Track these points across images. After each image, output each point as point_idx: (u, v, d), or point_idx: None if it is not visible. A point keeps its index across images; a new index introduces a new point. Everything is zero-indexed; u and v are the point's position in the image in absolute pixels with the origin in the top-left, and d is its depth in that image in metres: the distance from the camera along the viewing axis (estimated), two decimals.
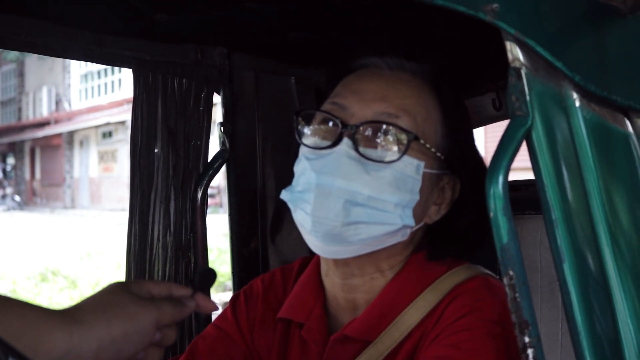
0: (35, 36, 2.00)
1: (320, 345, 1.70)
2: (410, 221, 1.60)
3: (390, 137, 1.58)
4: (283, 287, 1.88)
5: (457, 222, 1.70)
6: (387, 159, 1.57)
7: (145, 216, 2.24)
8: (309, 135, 1.66)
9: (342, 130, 1.59)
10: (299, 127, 1.68)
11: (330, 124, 1.63)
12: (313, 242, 1.63)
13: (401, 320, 1.62)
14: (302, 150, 1.66)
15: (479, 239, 1.72)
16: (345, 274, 1.70)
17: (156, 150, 2.23)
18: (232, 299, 1.91)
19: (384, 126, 1.59)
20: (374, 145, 1.58)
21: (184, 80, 2.26)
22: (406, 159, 1.58)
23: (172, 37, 2.19)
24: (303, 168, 1.62)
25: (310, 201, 1.56)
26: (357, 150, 1.57)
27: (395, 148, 1.58)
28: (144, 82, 2.20)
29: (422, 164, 1.61)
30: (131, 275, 2.25)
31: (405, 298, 1.65)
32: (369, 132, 1.59)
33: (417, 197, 1.61)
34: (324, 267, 1.77)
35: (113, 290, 1.37)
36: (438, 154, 1.64)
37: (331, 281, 1.75)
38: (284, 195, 1.66)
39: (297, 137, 1.68)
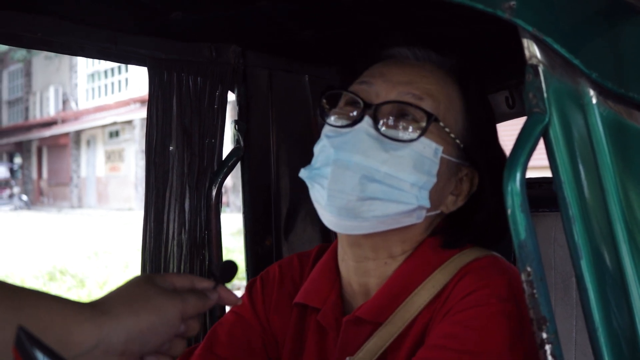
0: (51, 34, 2.01)
1: (336, 329, 1.73)
2: (426, 202, 1.63)
3: (410, 118, 1.62)
4: (300, 273, 1.92)
5: (474, 215, 1.72)
6: (406, 137, 1.60)
7: (160, 214, 2.26)
8: (332, 114, 1.71)
9: (365, 109, 1.62)
10: (324, 105, 1.73)
11: (354, 105, 1.67)
12: (327, 218, 1.66)
13: (411, 301, 1.65)
14: (325, 129, 1.70)
15: (496, 235, 1.73)
16: (359, 257, 1.73)
17: (171, 148, 2.25)
18: (249, 285, 1.95)
19: (406, 107, 1.63)
20: (395, 125, 1.62)
21: (199, 78, 2.27)
22: (424, 140, 1.61)
23: (186, 35, 2.21)
24: (322, 146, 1.66)
25: (328, 175, 1.60)
26: (377, 128, 1.61)
27: (414, 128, 1.62)
28: (158, 80, 2.22)
29: (441, 148, 1.64)
30: (146, 272, 2.26)
31: (415, 280, 1.67)
32: (390, 111, 1.63)
33: (434, 180, 1.63)
34: (340, 253, 1.80)
35: (139, 282, 1.38)
36: (457, 141, 1.67)
37: (346, 266, 1.77)
38: (303, 173, 1.69)
39: (319, 115, 1.72)
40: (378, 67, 1.75)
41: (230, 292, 1.52)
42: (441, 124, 1.63)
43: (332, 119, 1.69)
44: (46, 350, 0.88)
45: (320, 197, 1.64)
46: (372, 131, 1.60)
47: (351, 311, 1.73)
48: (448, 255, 1.69)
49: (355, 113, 1.66)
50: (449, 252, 1.70)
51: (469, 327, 1.51)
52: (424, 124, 1.61)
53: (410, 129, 1.61)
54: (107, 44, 2.12)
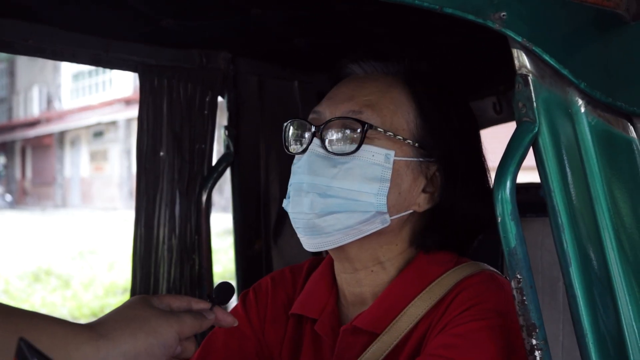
0: (43, 42, 2.02)
1: (332, 338, 1.75)
2: (383, 207, 1.65)
3: (350, 131, 1.67)
4: (293, 285, 1.94)
5: (437, 208, 1.74)
6: (348, 150, 1.65)
7: (151, 219, 2.27)
8: (292, 143, 1.77)
9: (313, 132, 1.69)
10: (285, 136, 1.78)
11: (307, 129, 1.73)
12: (301, 239, 1.72)
13: (408, 312, 1.67)
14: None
15: (468, 229, 1.77)
16: (348, 268, 1.76)
17: (161, 153, 2.26)
18: (242, 296, 1.96)
19: (345, 121, 1.67)
20: (339, 141, 1.68)
21: (189, 84, 2.28)
22: (371, 148, 1.65)
23: (177, 42, 2.22)
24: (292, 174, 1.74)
25: (290, 200, 1.69)
26: (324, 147, 1.67)
27: (354, 140, 1.66)
28: (149, 86, 2.22)
29: (392, 152, 1.66)
30: (137, 277, 2.27)
31: (411, 292, 1.70)
32: (334, 129, 1.68)
33: (387, 184, 1.66)
34: (336, 265, 1.83)
35: (135, 304, 1.39)
36: (410, 142, 1.69)
37: (340, 278, 1.81)
38: (284, 203, 1.75)
39: (284, 147, 1.78)
40: (333, 89, 1.80)
41: (226, 313, 1.54)
42: (380, 129, 1.66)
43: (292, 148, 1.76)
44: None
45: (292, 221, 1.71)
46: (321, 150, 1.67)
47: (347, 320, 1.75)
48: (444, 268, 1.72)
49: (307, 138, 1.72)
50: (444, 265, 1.72)
51: (467, 338, 1.53)
52: (360, 133, 1.65)
53: (353, 142, 1.66)
54: (99, 51, 2.13)
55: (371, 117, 1.67)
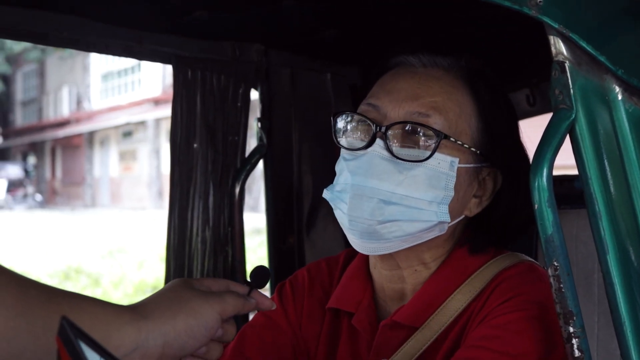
0: (77, 33, 2.03)
1: (370, 333, 1.74)
2: (446, 217, 1.64)
3: (420, 136, 1.62)
4: (329, 278, 1.92)
5: (495, 213, 1.73)
6: (418, 157, 1.61)
7: (185, 211, 2.27)
8: (345, 136, 1.71)
9: (375, 131, 1.63)
10: (336, 128, 1.73)
11: (365, 124, 1.68)
12: (352, 239, 1.68)
13: (448, 306, 1.67)
14: (342, 150, 1.72)
15: (519, 228, 1.74)
16: (391, 266, 1.75)
17: (195, 145, 2.27)
18: (278, 288, 1.95)
19: (415, 126, 1.62)
20: (406, 145, 1.63)
21: (222, 76, 2.29)
22: (438, 156, 1.61)
23: (210, 34, 2.22)
24: (341, 168, 1.69)
25: (346, 201, 1.63)
26: (389, 150, 1.61)
27: (426, 146, 1.61)
28: (183, 78, 2.23)
29: (457, 160, 1.64)
30: (170, 269, 2.28)
31: (451, 285, 1.69)
32: (400, 132, 1.63)
33: (451, 194, 1.64)
34: (372, 260, 1.82)
35: (176, 286, 1.40)
36: (473, 149, 1.66)
37: (379, 273, 1.79)
38: (326, 194, 1.72)
39: (334, 138, 1.73)
40: (386, 80, 1.75)
41: (265, 296, 1.54)
42: (452, 139, 1.63)
43: (345, 142, 1.71)
44: (89, 341, 0.88)
45: (343, 220, 1.66)
46: (385, 153, 1.61)
47: (384, 315, 1.76)
48: (483, 260, 1.71)
49: (366, 135, 1.67)
50: (482, 257, 1.71)
51: (508, 329, 1.53)
52: (434, 141, 1.61)
53: (421, 147, 1.61)
54: (132, 43, 2.14)
55: (438, 120, 1.63)
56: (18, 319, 1.16)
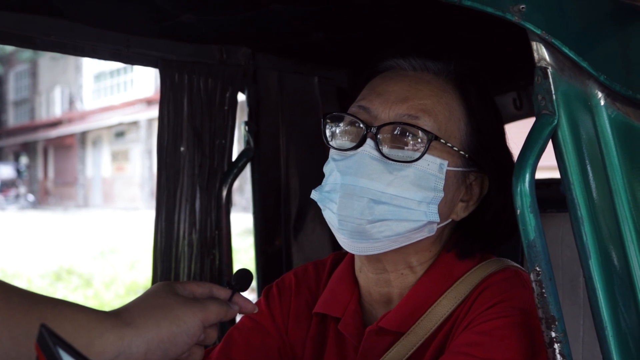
0: (64, 37, 2.03)
1: (356, 338, 1.75)
2: (435, 217, 1.64)
3: (410, 138, 1.63)
4: (316, 281, 1.93)
5: (483, 217, 1.73)
6: (408, 158, 1.61)
7: (172, 214, 2.28)
8: (335, 137, 1.72)
9: (366, 132, 1.64)
10: (326, 129, 1.73)
11: (355, 126, 1.68)
12: (342, 240, 1.68)
13: (433, 311, 1.67)
14: (331, 151, 1.71)
15: (507, 232, 1.74)
16: (378, 269, 1.75)
17: (182, 149, 2.27)
18: (265, 291, 1.95)
19: (405, 127, 1.63)
20: (396, 146, 1.63)
21: (209, 80, 2.29)
22: (428, 157, 1.62)
23: (197, 37, 2.23)
24: (331, 169, 1.69)
25: (336, 201, 1.63)
26: (379, 150, 1.62)
27: (416, 148, 1.62)
28: (170, 82, 2.23)
29: (446, 162, 1.65)
30: (158, 272, 2.29)
31: (437, 291, 1.69)
32: (390, 133, 1.64)
33: (441, 195, 1.64)
34: (357, 264, 1.82)
35: (159, 292, 1.40)
36: (462, 152, 1.67)
37: (365, 277, 1.79)
38: (314, 195, 1.72)
39: (324, 139, 1.73)
40: (376, 82, 1.75)
41: (247, 300, 1.54)
42: (442, 140, 1.64)
43: (335, 142, 1.71)
44: (68, 348, 0.88)
45: (332, 221, 1.66)
46: (375, 153, 1.62)
47: (371, 319, 1.76)
48: (468, 266, 1.71)
49: (356, 136, 1.67)
50: (467, 262, 1.72)
51: (492, 336, 1.53)
52: (424, 142, 1.62)
53: (411, 148, 1.62)
54: (119, 46, 2.14)
55: (427, 123, 1.64)
56: (0, 326, 1.16)
